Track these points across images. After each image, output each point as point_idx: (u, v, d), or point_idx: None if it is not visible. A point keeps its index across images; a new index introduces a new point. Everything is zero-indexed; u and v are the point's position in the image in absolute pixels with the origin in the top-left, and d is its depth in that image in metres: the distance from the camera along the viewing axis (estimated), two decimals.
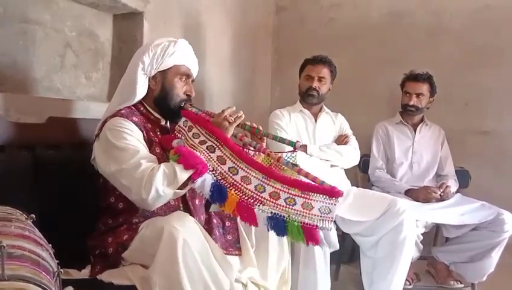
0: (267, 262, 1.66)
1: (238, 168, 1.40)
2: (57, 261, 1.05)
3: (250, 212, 1.34)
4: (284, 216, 1.32)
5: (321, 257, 1.98)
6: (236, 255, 1.63)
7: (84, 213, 1.58)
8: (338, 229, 2.19)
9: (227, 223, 1.71)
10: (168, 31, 2.41)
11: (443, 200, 2.49)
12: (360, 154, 2.55)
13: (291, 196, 1.34)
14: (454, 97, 3.04)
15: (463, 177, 2.78)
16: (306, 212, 1.31)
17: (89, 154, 1.59)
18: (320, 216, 1.30)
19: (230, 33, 3.12)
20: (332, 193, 1.32)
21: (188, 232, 1.25)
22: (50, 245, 1.12)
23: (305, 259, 1.97)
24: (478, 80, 2.99)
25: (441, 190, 2.51)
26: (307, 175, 1.38)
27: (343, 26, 3.38)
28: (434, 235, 2.73)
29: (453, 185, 2.64)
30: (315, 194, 1.33)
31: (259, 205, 1.34)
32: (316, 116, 2.54)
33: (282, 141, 1.63)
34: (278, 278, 1.68)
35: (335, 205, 1.31)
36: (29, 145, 1.66)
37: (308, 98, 2.48)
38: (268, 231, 1.35)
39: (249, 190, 1.36)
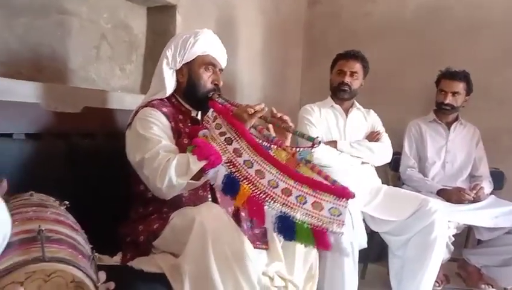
0: (294, 257, 1.65)
1: (253, 161, 1.37)
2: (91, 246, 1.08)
3: (260, 208, 1.30)
4: (293, 217, 1.26)
5: (349, 255, 1.96)
6: (263, 249, 1.64)
7: (116, 201, 1.61)
8: (367, 227, 2.17)
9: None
10: (201, 24, 2.41)
11: (476, 201, 2.43)
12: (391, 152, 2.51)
13: (302, 193, 1.29)
14: (490, 95, 2.94)
15: (498, 179, 2.71)
16: (315, 213, 1.25)
17: (122, 144, 1.63)
18: (330, 218, 1.23)
19: (262, 26, 3.11)
20: (343, 194, 1.24)
21: (218, 223, 1.27)
22: (83, 231, 1.16)
23: (332, 256, 1.95)
24: None
25: (474, 192, 2.45)
26: (319, 173, 1.33)
27: (378, 21, 3.32)
28: (465, 237, 2.68)
29: (487, 186, 2.58)
30: (325, 194, 1.27)
31: (270, 202, 1.30)
32: (347, 112, 2.51)
33: (302, 135, 1.58)
34: (304, 274, 1.68)
35: (345, 207, 1.24)
36: (65, 134, 1.71)
37: (340, 93, 2.45)
38: (275, 232, 1.30)
39: (262, 185, 1.33)
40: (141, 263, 1.41)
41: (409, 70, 3.17)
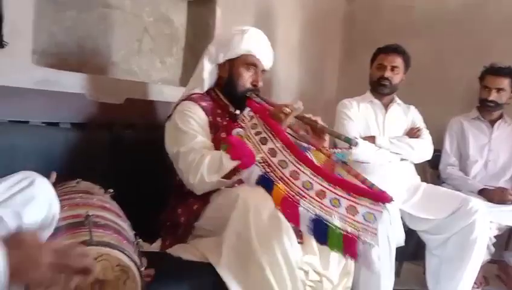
0: (329, 252, 1.64)
1: (288, 161, 1.36)
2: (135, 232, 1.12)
3: (294, 210, 1.29)
4: (327, 221, 1.25)
5: (386, 252, 1.93)
6: (298, 242, 1.64)
7: (156, 189, 1.65)
8: (404, 225, 2.13)
9: None
10: (240, 18, 2.44)
11: None
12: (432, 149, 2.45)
13: (337, 196, 1.27)
14: None
15: None
16: (349, 218, 1.23)
17: (161, 134, 1.67)
18: (364, 224, 1.21)
19: (300, 20, 3.09)
20: (380, 197, 1.22)
21: (261, 201, 1.30)
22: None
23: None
24: None
25: None
26: (356, 176, 1.31)
27: (420, 14, 3.22)
28: (507, 239, 2.58)
29: None
30: (361, 198, 1.25)
31: (304, 204, 1.28)
32: (386, 107, 2.46)
33: (338, 137, 1.56)
34: (340, 269, 1.67)
35: (381, 212, 1.22)
36: (108, 124, 1.77)
37: (380, 88, 2.40)
38: (308, 234, 1.29)
39: (296, 186, 1.32)
40: (180, 251, 1.45)
41: (451, 66, 3.06)
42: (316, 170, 1.33)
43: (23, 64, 1.56)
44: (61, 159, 1.53)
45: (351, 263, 1.71)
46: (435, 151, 2.53)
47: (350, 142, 1.45)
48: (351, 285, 1.70)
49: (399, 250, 2.06)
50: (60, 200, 1.05)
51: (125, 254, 0.95)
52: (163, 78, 2.27)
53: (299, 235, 1.64)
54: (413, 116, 2.50)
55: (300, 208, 1.28)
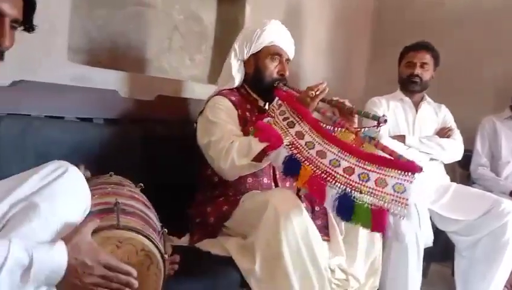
0: (356, 251, 1.64)
1: (314, 142, 1.37)
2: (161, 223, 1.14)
3: (320, 187, 1.29)
4: (354, 197, 1.22)
5: (414, 252, 1.91)
6: (325, 240, 1.64)
7: (185, 184, 1.68)
8: (432, 225, 2.10)
9: (317, 208, 1.71)
10: (269, 16, 2.41)
11: None
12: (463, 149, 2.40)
13: (365, 171, 1.25)
14: None
15: None
16: (379, 190, 1.21)
17: (191, 131, 1.69)
18: (394, 195, 1.19)
19: (328, 17, 3.07)
20: (409, 167, 1.19)
21: (290, 208, 1.30)
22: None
23: (397, 253, 1.91)
24: None
25: None
26: (384, 149, 1.29)
27: (451, 10, 3.15)
28: None
29: None
30: (390, 169, 1.22)
31: (331, 181, 1.27)
32: (417, 105, 2.42)
33: (366, 115, 1.51)
34: (366, 268, 1.66)
35: (411, 181, 1.19)
36: (140, 120, 1.81)
37: (410, 85, 2.37)
38: (333, 212, 1.27)
39: (323, 164, 1.31)
40: (208, 245, 1.48)
41: (483, 65, 2.98)
42: (344, 146, 1.33)
43: (60, 61, 1.61)
44: (94, 153, 1.57)
45: (379, 262, 1.70)
46: (465, 151, 2.48)
47: (379, 119, 1.40)
48: (378, 285, 1.69)
49: (426, 251, 2.04)
50: (92, 190, 1.09)
51: (150, 239, 0.97)
52: (192, 76, 2.29)
53: (325, 233, 1.65)
54: (444, 115, 2.46)
55: (327, 187, 1.27)
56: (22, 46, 1.09)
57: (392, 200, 1.18)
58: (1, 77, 1.41)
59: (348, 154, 1.31)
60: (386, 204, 1.19)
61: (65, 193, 0.93)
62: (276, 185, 1.66)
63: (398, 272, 1.92)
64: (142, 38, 2.04)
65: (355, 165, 1.28)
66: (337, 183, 1.26)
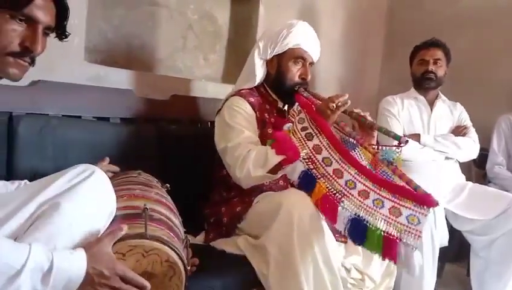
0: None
1: (332, 159, 1.34)
2: (184, 229, 1.14)
3: (333, 207, 1.27)
4: (367, 221, 1.21)
5: (429, 252, 1.90)
6: (342, 241, 1.63)
7: (199, 183, 1.69)
8: (447, 225, 2.08)
9: None
10: (282, 15, 2.44)
11: None
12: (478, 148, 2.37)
13: (380, 197, 1.23)
14: None
15: None
16: (392, 219, 1.19)
17: (205, 130, 1.70)
18: (407, 226, 1.16)
19: (341, 16, 3.06)
20: (425, 201, 1.17)
21: (304, 211, 1.29)
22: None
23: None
24: None
25: None
26: (401, 176, 1.25)
27: (466, 8, 3.11)
28: None
29: None
30: (405, 200, 1.20)
31: (345, 203, 1.25)
32: (431, 104, 2.39)
33: (387, 133, 1.46)
34: (382, 269, 1.65)
35: (426, 215, 1.16)
36: (155, 119, 1.82)
37: (425, 82, 2.34)
38: (344, 233, 1.25)
39: (339, 184, 1.29)
40: (223, 244, 1.49)
41: (499, 63, 2.94)
42: (361, 169, 1.31)
43: (77, 61, 1.63)
44: (111, 152, 1.57)
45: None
46: (480, 150, 2.45)
47: (399, 140, 1.37)
48: (393, 285, 1.68)
49: (441, 250, 2.03)
50: (120, 190, 1.10)
51: (175, 251, 0.97)
52: (206, 75, 2.30)
53: (342, 235, 1.64)
54: (460, 114, 2.43)
55: (340, 208, 1.25)
56: None
57: (405, 230, 1.16)
58: None
59: (364, 177, 1.28)
60: (398, 233, 1.17)
61: (89, 195, 0.93)
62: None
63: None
64: (156, 37, 2.05)
65: (371, 189, 1.26)
66: (351, 205, 1.24)
